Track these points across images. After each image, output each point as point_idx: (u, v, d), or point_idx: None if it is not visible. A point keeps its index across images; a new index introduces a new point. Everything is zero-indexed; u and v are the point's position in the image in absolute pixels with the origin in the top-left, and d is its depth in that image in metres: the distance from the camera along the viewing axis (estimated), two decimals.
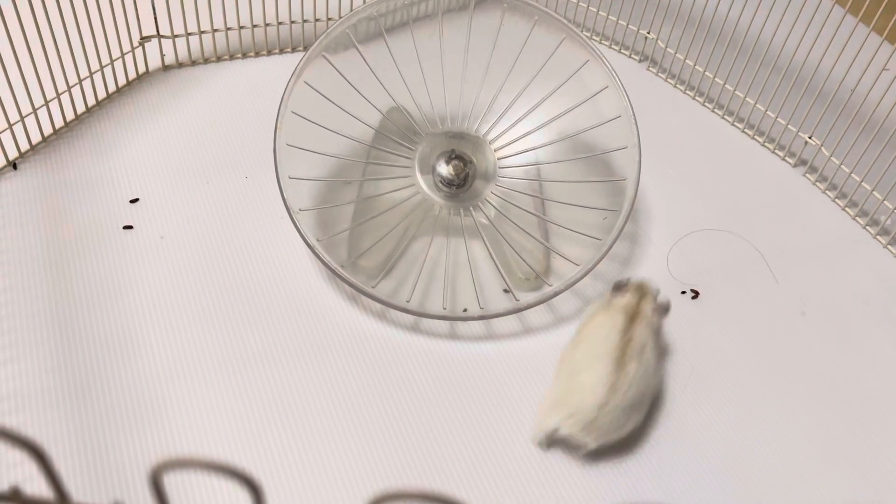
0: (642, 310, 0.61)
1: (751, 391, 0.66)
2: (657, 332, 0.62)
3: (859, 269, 0.77)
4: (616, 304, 0.61)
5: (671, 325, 0.70)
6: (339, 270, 0.66)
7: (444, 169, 0.72)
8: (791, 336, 0.71)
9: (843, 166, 0.81)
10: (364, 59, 0.70)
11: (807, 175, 0.85)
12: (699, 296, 0.72)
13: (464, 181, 0.72)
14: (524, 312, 0.69)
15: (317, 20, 0.91)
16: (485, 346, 0.67)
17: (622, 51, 0.97)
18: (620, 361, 0.58)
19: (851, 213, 0.81)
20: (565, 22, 0.71)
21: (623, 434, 0.59)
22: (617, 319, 0.60)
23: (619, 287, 0.63)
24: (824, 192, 0.83)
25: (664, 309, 0.63)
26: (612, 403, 0.57)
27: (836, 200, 0.82)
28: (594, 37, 0.98)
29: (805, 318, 0.72)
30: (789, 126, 0.84)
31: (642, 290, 0.63)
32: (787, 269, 0.76)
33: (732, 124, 0.89)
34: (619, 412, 0.57)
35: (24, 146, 0.76)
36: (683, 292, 0.73)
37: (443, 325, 0.68)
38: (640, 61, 0.95)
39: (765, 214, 0.80)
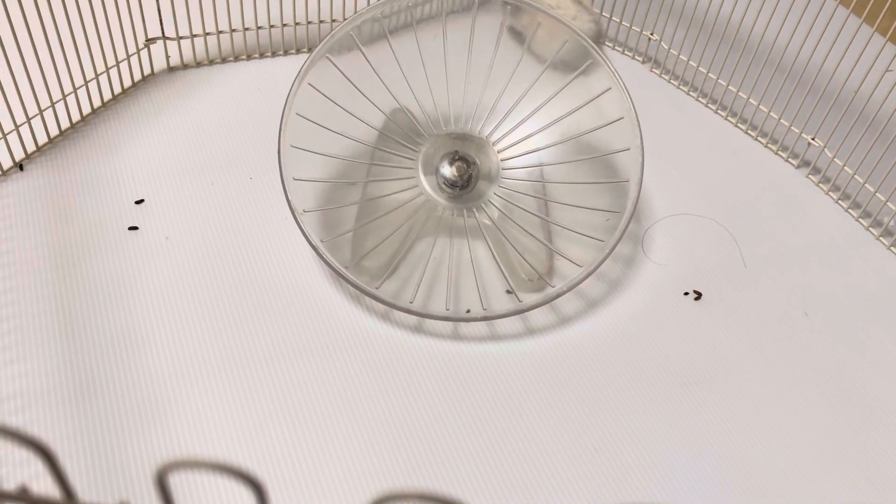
0: None
1: (753, 392, 0.66)
2: None
3: (862, 271, 0.77)
4: None
5: (674, 325, 0.70)
6: (343, 271, 0.66)
7: (448, 170, 0.72)
8: (793, 337, 0.71)
9: (846, 168, 0.81)
10: (368, 61, 0.70)
11: (810, 176, 0.85)
12: (702, 297, 0.72)
13: (467, 182, 0.72)
14: (527, 313, 0.69)
15: (321, 22, 0.91)
16: (488, 346, 0.68)
17: (625, 52, 0.97)
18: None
19: (854, 215, 0.81)
20: (568, 24, 0.71)
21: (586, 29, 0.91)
22: None
23: None
24: (827, 194, 0.83)
25: None
26: (580, 17, 0.92)
27: (839, 202, 0.82)
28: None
29: (808, 319, 0.72)
30: (792, 128, 0.85)
31: None
32: (790, 270, 0.76)
33: (736, 125, 0.89)
34: (588, 24, 0.92)
35: (31, 148, 0.76)
36: (686, 293, 0.73)
37: (446, 326, 0.68)
38: (643, 63, 0.95)
39: (768, 216, 0.81)
